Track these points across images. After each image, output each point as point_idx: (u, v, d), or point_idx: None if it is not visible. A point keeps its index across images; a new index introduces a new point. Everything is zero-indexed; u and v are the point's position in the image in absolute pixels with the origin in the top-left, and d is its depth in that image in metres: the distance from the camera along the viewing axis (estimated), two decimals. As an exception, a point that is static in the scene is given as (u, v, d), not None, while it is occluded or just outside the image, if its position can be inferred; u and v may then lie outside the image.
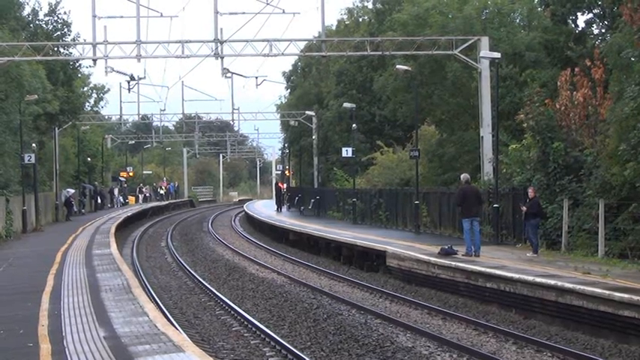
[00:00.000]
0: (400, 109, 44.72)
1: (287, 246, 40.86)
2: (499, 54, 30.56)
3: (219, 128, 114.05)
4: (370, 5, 65.53)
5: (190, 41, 37.46)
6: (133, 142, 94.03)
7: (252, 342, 17.10)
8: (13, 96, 40.81)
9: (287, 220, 48.44)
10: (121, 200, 79.38)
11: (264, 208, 65.08)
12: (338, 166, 57.74)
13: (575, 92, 28.41)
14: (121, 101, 70.61)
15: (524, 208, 24.68)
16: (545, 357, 15.36)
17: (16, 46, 38.59)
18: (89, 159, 70.28)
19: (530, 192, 24.76)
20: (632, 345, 15.70)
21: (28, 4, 52.52)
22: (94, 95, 75.15)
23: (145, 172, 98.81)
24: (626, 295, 15.90)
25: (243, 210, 69.45)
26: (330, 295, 23.51)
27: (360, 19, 67.26)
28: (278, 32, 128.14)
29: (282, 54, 37.46)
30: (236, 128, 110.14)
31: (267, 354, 15.98)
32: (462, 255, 23.99)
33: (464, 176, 25.14)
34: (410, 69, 37.87)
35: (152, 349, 11.74)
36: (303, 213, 55.97)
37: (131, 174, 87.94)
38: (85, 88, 70.48)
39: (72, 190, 57.39)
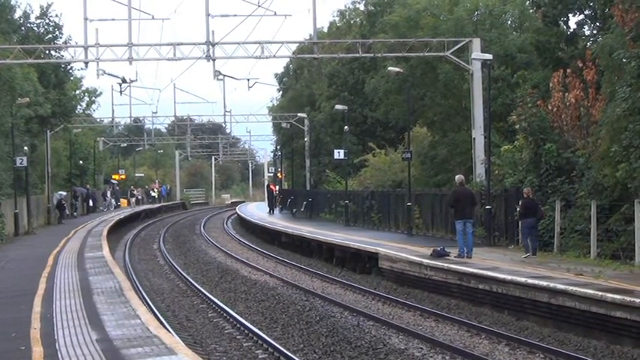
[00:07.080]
0: (392, 111, 44.76)
1: (279, 248, 40.80)
2: (491, 55, 30.59)
3: (211, 130, 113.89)
4: (362, 7, 65.61)
5: (182, 44, 37.39)
6: (125, 144, 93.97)
7: (244, 344, 17.08)
8: (5, 99, 40.77)
9: (279, 222, 48.40)
10: (114, 203, 79.29)
11: (257, 211, 65.04)
12: (330, 168, 57.74)
13: (567, 93, 28.44)
14: (112, 104, 70.78)
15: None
16: (538, 358, 15.35)
17: (7, 49, 38.48)
18: (81, 162, 70.15)
19: (525, 192, 24.79)
20: (625, 346, 15.71)
21: (19, 6, 52.53)
22: (86, 98, 75.14)
23: (137, 174, 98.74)
24: (618, 296, 15.91)
25: (236, 212, 69.39)
26: (322, 297, 23.49)
27: (352, 21, 67.26)
28: (270, 34, 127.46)
29: (274, 56, 37.42)
30: (228, 130, 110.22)
31: (259, 356, 15.96)
32: (455, 257, 23.99)
33: (458, 177, 25.11)
34: (402, 71, 37.91)
35: (144, 352, 11.71)
36: (296, 215, 55.93)
37: (123, 177, 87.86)
38: (77, 92, 70.40)
39: (64, 193, 57.30)
